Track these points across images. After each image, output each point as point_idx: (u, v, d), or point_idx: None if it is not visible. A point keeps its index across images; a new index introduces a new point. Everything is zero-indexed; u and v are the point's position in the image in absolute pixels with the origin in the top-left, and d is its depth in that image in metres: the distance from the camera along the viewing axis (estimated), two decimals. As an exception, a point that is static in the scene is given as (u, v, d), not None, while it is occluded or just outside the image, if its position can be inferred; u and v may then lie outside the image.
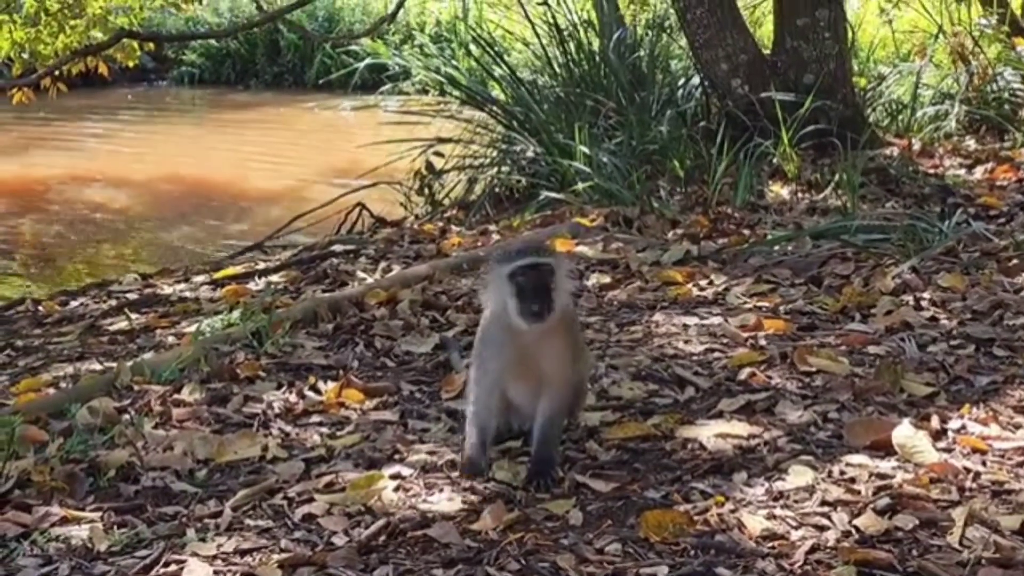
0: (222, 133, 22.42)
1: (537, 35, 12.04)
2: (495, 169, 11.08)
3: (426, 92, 15.65)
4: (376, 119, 16.19)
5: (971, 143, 11.43)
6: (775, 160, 9.98)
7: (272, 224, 12.54)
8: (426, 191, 11.43)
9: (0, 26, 13.83)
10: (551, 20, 11.83)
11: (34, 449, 5.10)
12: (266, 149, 20.39)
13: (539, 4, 12.67)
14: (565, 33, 11.84)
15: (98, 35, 14.45)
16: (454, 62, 14.91)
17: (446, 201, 11.39)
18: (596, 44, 11.98)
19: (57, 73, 13.41)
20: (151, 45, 16.73)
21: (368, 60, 20.95)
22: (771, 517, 4.19)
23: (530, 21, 12.33)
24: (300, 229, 11.25)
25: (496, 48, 13.18)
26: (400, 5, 13.48)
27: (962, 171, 10.35)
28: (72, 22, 14.38)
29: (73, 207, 16.16)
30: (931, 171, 10.17)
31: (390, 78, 19.76)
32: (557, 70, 11.78)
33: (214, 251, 12.82)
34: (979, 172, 10.26)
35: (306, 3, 17.89)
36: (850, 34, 12.14)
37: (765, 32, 15.19)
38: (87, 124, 22.81)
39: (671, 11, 11.88)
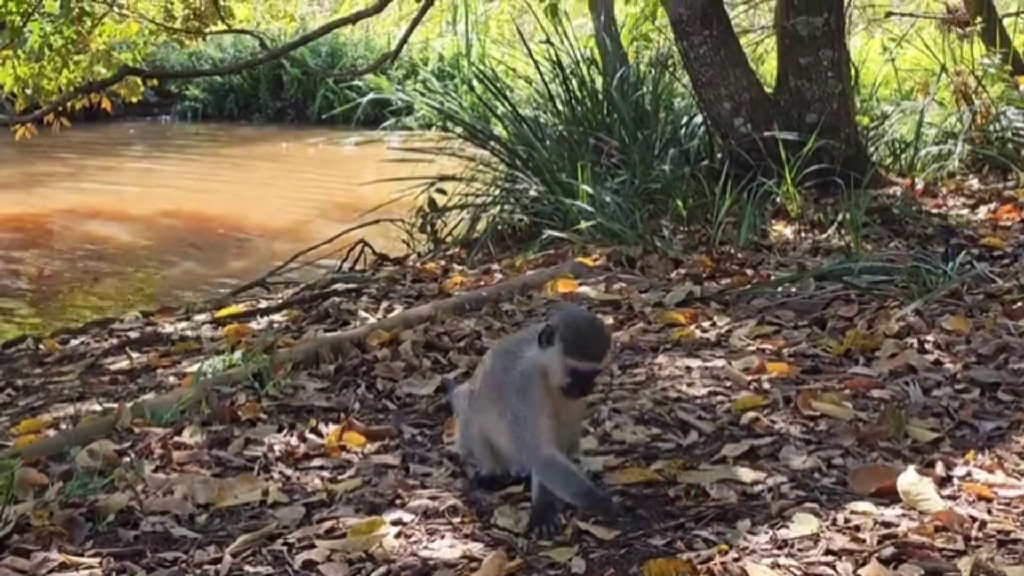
0: (225, 168, 22.42)
1: (540, 72, 12.03)
2: (498, 207, 11.06)
3: (429, 127, 15.71)
4: (379, 154, 16.22)
5: (974, 182, 11.43)
6: (778, 199, 9.96)
7: (274, 260, 12.54)
8: (428, 228, 11.42)
9: (4, 61, 13.84)
10: (554, 58, 11.83)
11: (33, 493, 5.08)
12: (269, 184, 20.42)
13: (542, 42, 12.66)
14: (568, 71, 11.84)
15: (102, 71, 14.48)
16: (456, 97, 14.95)
17: (449, 239, 11.37)
18: (599, 81, 11.98)
19: (60, 108, 13.43)
20: (155, 80, 16.73)
21: (371, 95, 21.05)
22: (775, 566, 4.15)
23: (533, 59, 12.32)
24: (302, 266, 11.25)
25: (499, 84, 13.21)
26: (403, 42, 13.50)
27: (965, 211, 10.34)
28: (76, 57, 14.41)
29: (75, 242, 16.16)
30: (934, 211, 10.16)
31: (393, 113, 19.83)
32: (560, 108, 11.78)
33: (216, 287, 12.81)
34: (982, 212, 10.24)
35: (308, 41, 17.95)
36: (853, 73, 12.15)
37: (768, 68, 15.23)
38: (89, 158, 22.80)
39: (674, 48, 11.87)
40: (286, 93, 28.69)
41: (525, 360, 4.73)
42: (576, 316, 4.94)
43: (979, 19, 14.86)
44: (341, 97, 25.29)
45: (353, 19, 14.05)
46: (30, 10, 13.34)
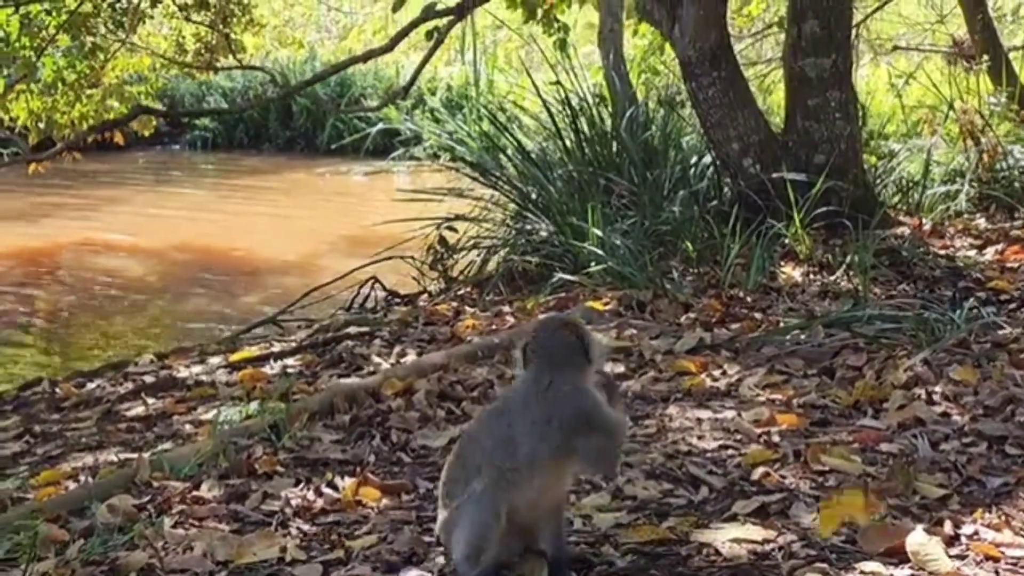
0: (235, 199, 22.54)
1: (550, 114, 12.11)
2: (507, 248, 11.13)
3: (437, 157, 15.76)
4: (388, 184, 16.32)
5: (981, 222, 11.48)
6: (787, 241, 10.03)
7: (285, 294, 12.66)
8: (440, 267, 11.50)
9: (17, 95, 13.96)
10: (564, 99, 11.92)
11: (55, 550, 5.16)
12: (279, 216, 20.52)
13: (551, 84, 12.75)
14: (578, 110, 11.92)
15: (114, 104, 14.60)
16: (465, 128, 15.02)
17: (460, 277, 11.45)
18: (608, 121, 12.06)
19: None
20: (166, 114, 16.87)
21: (380, 125, 21.15)
22: (787, 629, 4.22)
23: (542, 99, 12.40)
24: (314, 302, 11.34)
25: (507, 115, 13.30)
26: (414, 79, 13.58)
27: (972, 252, 10.39)
28: (88, 91, 14.53)
29: (86, 276, 16.27)
30: (942, 252, 10.21)
31: (402, 143, 19.90)
32: (569, 147, 11.85)
33: (227, 322, 12.90)
34: (990, 253, 10.29)
35: (319, 80, 18.05)
36: (860, 111, 12.22)
37: (775, 99, 15.32)
38: (100, 190, 22.95)
39: (683, 87, 11.95)
40: (295, 123, 28.86)
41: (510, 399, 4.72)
42: (543, 321, 4.98)
43: (985, 56, 14.94)
44: (350, 127, 25.45)
45: (364, 58, 14.15)
46: (43, 44, 13.46)
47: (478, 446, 4.63)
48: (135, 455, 6.35)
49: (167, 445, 6.68)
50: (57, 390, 8.67)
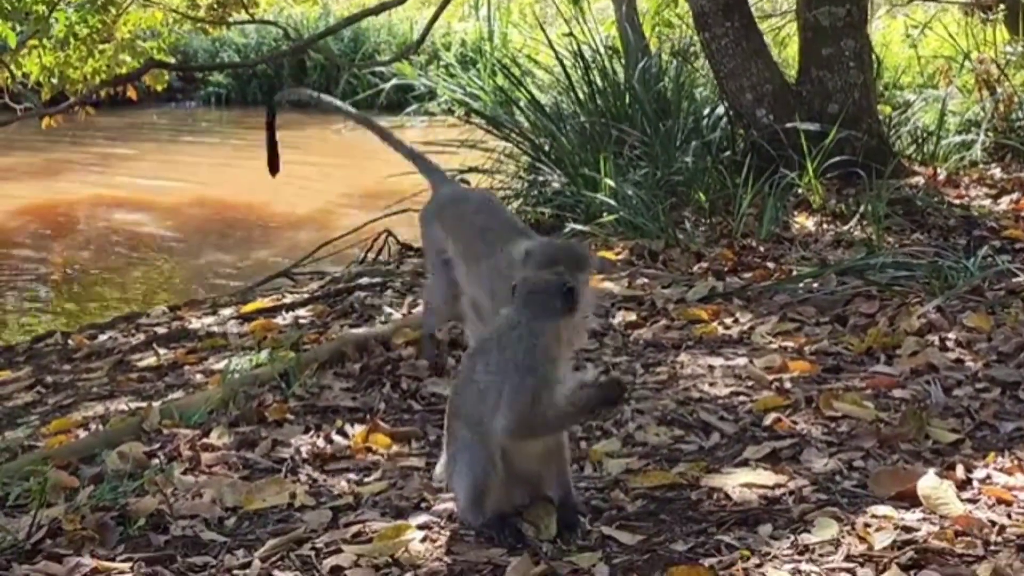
0: (249, 155, 22.37)
1: (562, 65, 12.05)
2: (520, 200, 11.10)
3: (452, 112, 15.71)
4: (403, 139, 16.26)
5: (997, 171, 11.41)
6: (800, 191, 9.98)
7: (299, 248, 12.62)
8: (453, 220, 11.45)
9: (29, 50, 13.91)
10: (576, 50, 11.86)
11: (65, 496, 5.16)
12: (293, 171, 20.36)
13: (564, 35, 12.68)
14: (590, 62, 11.86)
15: (127, 59, 14.54)
16: (479, 82, 14.96)
17: (473, 230, 11.39)
18: (621, 73, 11.99)
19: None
20: (178, 69, 16.83)
21: (394, 81, 21.07)
22: (796, 572, 4.20)
23: (555, 51, 12.34)
24: (327, 255, 11.30)
25: (521, 70, 13.24)
26: (426, 33, 13.48)
27: (987, 201, 10.33)
28: (101, 47, 14.46)
29: (101, 231, 16.27)
30: (956, 201, 10.16)
31: (416, 98, 19.83)
32: (582, 99, 11.80)
33: (241, 277, 12.88)
34: (1005, 202, 10.23)
35: (331, 33, 17.97)
36: (875, 61, 12.14)
37: (790, 53, 15.21)
38: (114, 145, 22.91)
39: (696, 38, 11.88)
40: (309, 79, 28.73)
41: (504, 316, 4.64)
42: (551, 251, 4.93)
43: (1002, 6, 14.83)
44: (364, 83, 25.31)
45: (377, 11, 14.04)
46: (56, 0, 13.41)
47: (464, 390, 4.63)
48: (146, 404, 6.34)
49: (178, 394, 6.67)
50: (69, 341, 8.67)
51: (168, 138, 25.44)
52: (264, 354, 6.94)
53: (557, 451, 4.63)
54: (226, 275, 13.46)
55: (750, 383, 6.21)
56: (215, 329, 8.40)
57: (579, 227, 9.57)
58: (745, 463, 5.21)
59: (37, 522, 4.81)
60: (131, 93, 14.64)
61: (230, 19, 15.93)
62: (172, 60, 16.81)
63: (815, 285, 7.86)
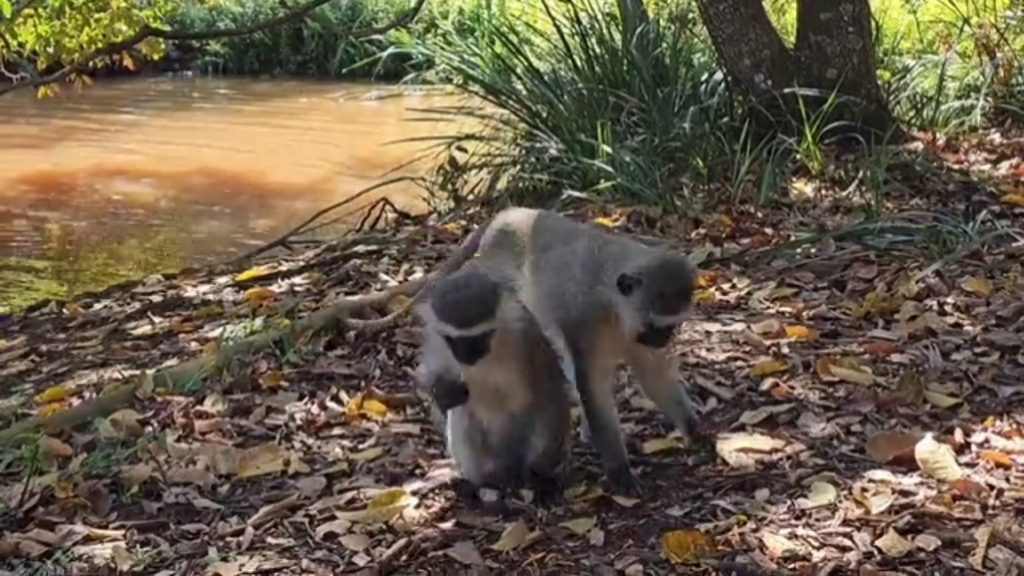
0: (246, 124, 22.43)
1: (560, 32, 11.98)
2: (518, 167, 11.05)
3: (450, 81, 15.61)
4: (400, 109, 16.17)
5: (996, 137, 11.34)
6: (798, 157, 9.92)
7: (296, 218, 12.55)
8: (449, 186, 11.42)
9: (25, 20, 13.83)
10: (574, 16, 11.79)
11: (58, 464, 5.13)
12: (290, 140, 20.41)
13: (562, 1, 12.60)
14: (587, 27, 11.78)
15: (122, 27, 14.46)
16: (477, 50, 14.88)
17: (470, 197, 11.36)
18: (618, 38, 11.92)
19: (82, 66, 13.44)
20: (175, 38, 16.75)
21: (392, 49, 20.96)
22: (793, 537, 4.17)
23: (552, 18, 12.26)
24: (324, 224, 11.25)
25: (519, 37, 13.16)
26: (423, 1, 13.43)
27: (987, 166, 10.27)
28: (96, 15, 14.39)
29: (98, 201, 16.22)
30: (955, 166, 10.10)
31: (414, 67, 19.75)
32: (579, 65, 11.72)
33: (238, 246, 12.83)
34: (1004, 167, 10.17)
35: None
36: (874, 26, 12.06)
37: (788, 20, 15.12)
38: (112, 116, 22.82)
39: (694, 4, 11.81)
40: (307, 47, 28.67)
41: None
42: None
43: (1003, -30, 14.74)
44: (362, 51, 25.19)
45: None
46: (51, -32, 13.35)
47: None
48: (139, 372, 6.31)
49: (172, 362, 6.64)
50: (64, 310, 8.63)
51: (165, 108, 25.34)
52: (259, 321, 6.90)
53: (520, 410, 4.56)
54: (222, 244, 13.41)
55: (747, 348, 6.18)
56: (210, 297, 8.36)
57: (576, 193, 9.52)
58: (742, 428, 5.18)
59: (30, 490, 4.79)
60: (128, 62, 14.54)
61: (226, -13, 15.87)
62: (168, 28, 16.74)
63: (813, 250, 7.83)
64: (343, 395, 5.82)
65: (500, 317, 4.28)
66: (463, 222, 10.07)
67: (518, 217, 5.25)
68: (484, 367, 4.34)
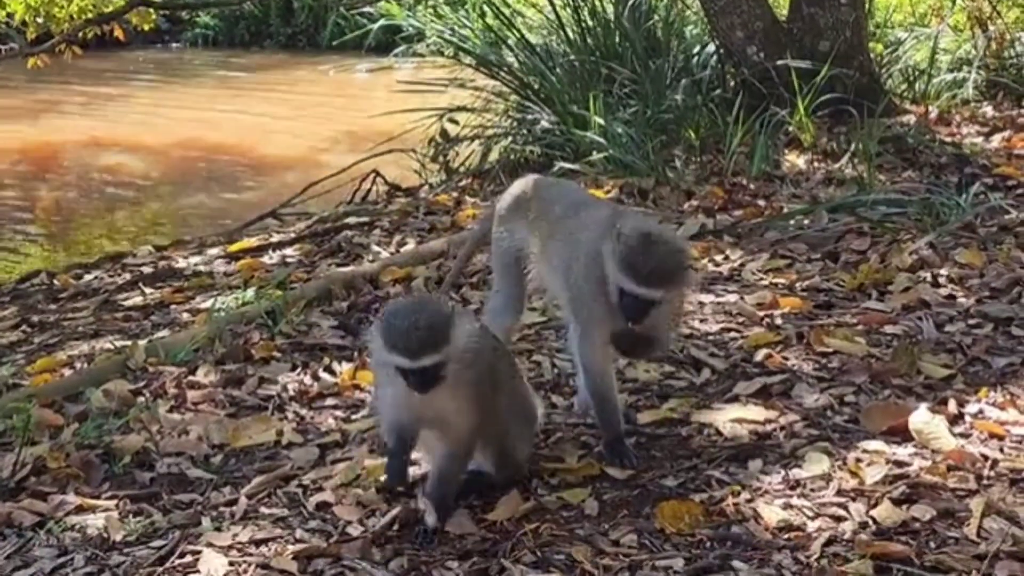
0: (236, 96, 22.35)
1: (552, 2, 11.93)
2: (509, 139, 11.01)
3: (441, 53, 15.56)
4: (391, 82, 16.13)
5: (988, 110, 11.32)
6: (791, 129, 9.90)
7: (287, 190, 12.50)
8: (441, 159, 11.39)
9: (15, -10, 13.77)
10: (565, -14, 11.75)
11: (49, 434, 5.12)
12: (281, 113, 20.34)
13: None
14: (579, -1, 11.75)
15: (113, -1, 14.39)
16: (468, 22, 14.82)
17: (461, 169, 11.33)
18: (610, 9, 11.87)
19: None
20: (165, 8, 16.67)
21: (382, 21, 20.90)
22: (787, 507, 4.18)
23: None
24: (315, 196, 11.22)
25: (511, 9, 13.10)
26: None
27: (979, 139, 10.25)
28: (87, -14, 14.33)
29: (88, 173, 16.17)
30: (948, 139, 10.08)
31: (404, 39, 19.70)
32: (572, 37, 11.68)
33: (229, 218, 12.79)
34: (996, 140, 10.16)
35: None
36: (867, 2, 12.03)
37: (782, -7, 15.10)
38: (102, 87, 22.75)
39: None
40: (297, 19, 28.59)
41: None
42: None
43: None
44: (352, 23, 25.13)
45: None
46: (41, -63, 13.28)
47: None
48: (131, 343, 6.29)
49: (164, 333, 6.62)
50: (55, 281, 8.61)
51: (155, 80, 25.28)
52: (251, 292, 6.89)
53: (447, 417, 4.26)
54: (213, 215, 13.37)
55: (741, 319, 6.17)
56: (202, 268, 8.35)
57: (568, 165, 9.49)
58: (736, 399, 5.18)
59: (21, 460, 4.79)
60: (118, 33, 14.48)
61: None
62: None
63: (806, 222, 7.81)
64: (336, 366, 5.81)
65: (454, 345, 4.04)
66: (454, 194, 10.04)
67: (537, 184, 5.25)
68: (434, 393, 4.08)
